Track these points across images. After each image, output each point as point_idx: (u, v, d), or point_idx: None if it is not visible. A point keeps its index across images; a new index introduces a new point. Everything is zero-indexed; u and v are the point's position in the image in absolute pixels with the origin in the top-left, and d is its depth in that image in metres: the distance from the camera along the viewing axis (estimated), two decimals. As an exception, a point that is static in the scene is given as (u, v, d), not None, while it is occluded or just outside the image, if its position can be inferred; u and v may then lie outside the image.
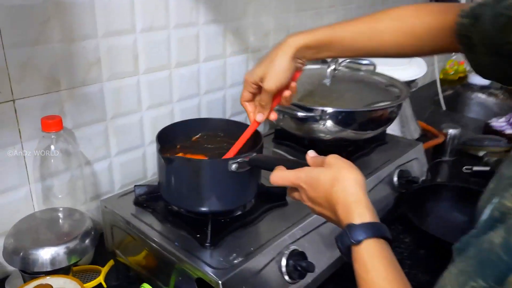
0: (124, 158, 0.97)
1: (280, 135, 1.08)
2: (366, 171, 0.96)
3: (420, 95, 1.72)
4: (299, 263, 0.70)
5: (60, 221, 0.76)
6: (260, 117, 0.75)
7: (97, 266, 0.83)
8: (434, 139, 1.25)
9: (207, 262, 0.66)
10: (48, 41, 0.77)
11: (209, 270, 0.64)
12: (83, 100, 0.86)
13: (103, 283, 0.80)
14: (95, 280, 0.79)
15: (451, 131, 1.32)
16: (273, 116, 0.76)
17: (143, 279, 0.78)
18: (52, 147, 0.79)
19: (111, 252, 0.85)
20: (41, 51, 0.76)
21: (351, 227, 0.50)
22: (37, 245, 0.69)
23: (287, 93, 0.74)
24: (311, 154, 0.61)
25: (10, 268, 0.76)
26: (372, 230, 0.49)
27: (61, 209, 0.79)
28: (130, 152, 0.98)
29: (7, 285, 0.78)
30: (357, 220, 0.50)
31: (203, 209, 0.72)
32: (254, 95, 0.76)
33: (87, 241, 0.74)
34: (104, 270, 0.81)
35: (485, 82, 1.98)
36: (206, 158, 0.77)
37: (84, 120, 0.87)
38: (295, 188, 0.60)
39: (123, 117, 0.93)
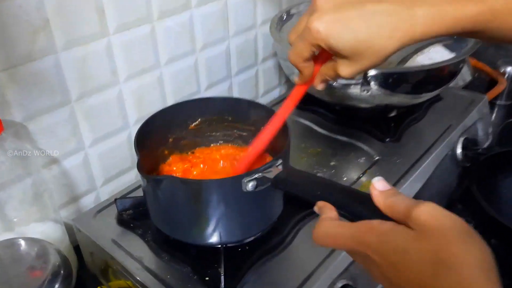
0: (103, 147, 0.74)
1: (304, 100, 0.83)
2: (422, 145, 0.73)
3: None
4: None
5: (14, 264, 0.55)
6: (321, 85, 0.48)
7: (81, 297, 0.65)
8: (495, 87, 0.98)
9: (222, 324, 0.46)
10: (-40, 3, 0.51)
11: None
12: (33, 81, 0.61)
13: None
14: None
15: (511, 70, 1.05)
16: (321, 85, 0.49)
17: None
18: (-6, 156, 0.56)
19: (95, 275, 0.66)
20: None
21: None
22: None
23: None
24: (379, 185, 0.36)
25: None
26: None
27: (17, 242, 0.58)
28: (111, 139, 0.75)
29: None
30: None
31: (211, 241, 0.50)
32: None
33: (56, 286, 0.53)
34: (92, 303, 0.63)
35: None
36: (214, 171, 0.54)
37: (39, 108, 0.63)
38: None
39: (95, 95, 0.69)
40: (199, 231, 0.49)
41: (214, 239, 0.50)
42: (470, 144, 0.77)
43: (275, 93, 1.07)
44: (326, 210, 0.38)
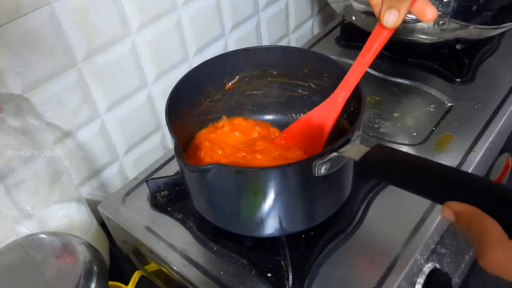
0: (121, 112, 0.63)
1: (348, 33, 0.70)
2: (503, 87, 0.60)
3: None
4: (444, 299, 0.41)
5: (40, 266, 0.47)
6: (391, 18, 0.38)
7: (118, 284, 0.58)
8: None
9: (295, 333, 0.38)
10: None
11: None
12: (27, 42, 0.50)
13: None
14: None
15: None
16: (430, 13, 0.38)
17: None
18: (-6, 139, 0.46)
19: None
20: None
21: None
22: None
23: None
24: None
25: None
26: None
27: (39, 240, 0.49)
28: (129, 101, 0.64)
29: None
30: None
31: (271, 232, 0.41)
32: None
33: (92, 286, 0.46)
34: (130, 290, 0.56)
35: None
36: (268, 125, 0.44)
37: (41, 74, 0.52)
38: None
39: (104, 51, 0.58)
40: (257, 223, 0.39)
41: (274, 230, 0.40)
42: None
43: (307, 26, 0.93)
44: (486, 221, 0.26)
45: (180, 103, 0.43)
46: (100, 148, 0.64)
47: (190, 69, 0.47)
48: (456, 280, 0.48)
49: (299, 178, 0.36)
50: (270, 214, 0.38)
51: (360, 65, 0.42)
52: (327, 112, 0.44)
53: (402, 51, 0.65)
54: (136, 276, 0.58)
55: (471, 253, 0.50)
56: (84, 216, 0.60)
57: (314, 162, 0.34)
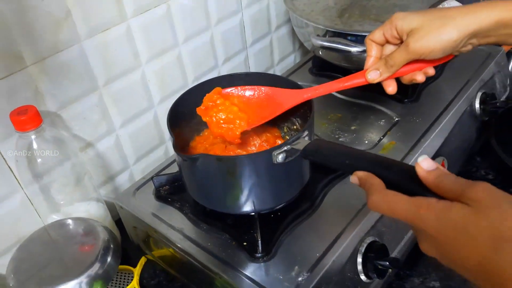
0: (132, 128, 0.78)
1: (319, 65, 0.85)
2: (440, 103, 0.74)
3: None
4: (379, 262, 0.53)
5: (69, 241, 0.60)
6: (373, 75, 0.53)
7: (128, 267, 0.70)
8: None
9: (263, 284, 0.51)
10: (-12, 3, 0.53)
11: (268, 298, 0.49)
12: (62, 71, 0.64)
13: (138, 288, 0.67)
14: (128, 287, 0.67)
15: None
16: (392, 89, 0.54)
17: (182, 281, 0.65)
18: (35, 145, 0.60)
19: (138, 245, 0.71)
20: (-19, 22, 0.53)
21: None
22: (47, 283, 0.54)
23: (430, 70, 0.53)
24: (426, 164, 0.36)
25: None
26: None
27: (67, 222, 0.63)
28: (138, 119, 0.78)
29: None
30: None
31: (246, 209, 0.54)
32: (387, 41, 0.53)
33: (109, 259, 0.58)
34: (137, 272, 0.69)
35: None
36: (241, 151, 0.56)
37: (70, 96, 0.67)
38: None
39: (120, 79, 0.72)
40: (235, 201, 0.53)
41: (249, 208, 0.53)
42: (488, 98, 0.78)
43: (290, 60, 1.08)
44: (373, 180, 0.39)
45: (179, 115, 0.57)
46: (115, 157, 0.77)
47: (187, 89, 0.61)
48: (396, 254, 0.60)
49: (263, 164, 0.49)
50: (244, 194, 0.52)
51: (332, 86, 0.54)
52: (289, 98, 0.56)
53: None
54: (142, 261, 0.71)
55: (409, 234, 0.63)
56: (101, 212, 0.73)
57: (273, 152, 0.48)
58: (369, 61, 0.54)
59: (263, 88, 0.56)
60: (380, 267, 0.54)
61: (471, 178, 0.35)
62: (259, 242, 0.53)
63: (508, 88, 0.88)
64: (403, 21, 0.49)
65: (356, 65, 0.74)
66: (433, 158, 0.67)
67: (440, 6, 0.81)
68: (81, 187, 0.70)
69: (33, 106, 0.58)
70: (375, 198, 0.38)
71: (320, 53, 0.77)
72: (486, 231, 0.31)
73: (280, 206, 0.57)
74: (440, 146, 0.68)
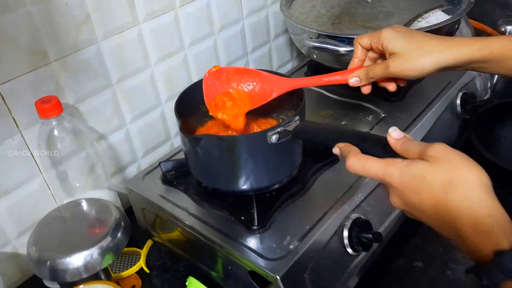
0: (141, 123, 0.85)
1: (314, 68, 0.93)
2: (424, 101, 0.81)
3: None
4: (363, 235, 0.60)
5: (84, 217, 0.67)
6: (353, 81, 0.61)
7: (135, 249, 0.76)
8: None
9: (258, 251, 0.57)
10: (20, 4, 0.61)
11: (263, 263, 0.55)
12: (80, 68, 0.72)
13: (145, 267, 0.73)
14: (135, 266, 0.73)
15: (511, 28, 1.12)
16: (366, 90, 0.62)
17: (186, 260, 0.70)
18: (56, 132, 0.67)
19: (146, 229, 0.77)
20: (13, 21, 0.61)
21: (502, 256, 0.35)
22: (64, 251, 0.60)
23: (402, 84, 0.62)
24: (395, 134, 0.44)
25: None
26: None
27: (82, 201, 0.69)
28: (147, 115, 0.85)
29: (45, 281, 0.72)
30: (505, 243, 0.36)
31: (244, 188, 0.60)
32: (371, 49, 0.61)
33: (119, 234, 0.65)
34: (143, 253, 0.75)
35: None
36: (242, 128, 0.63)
37: (87, 91, 0.74)
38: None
39: (131, 77, 0.80)
40: (234, 179, 0.59)
41: (246, 186, 0.60)
42: (468, 98, 0.85)
43: (288, 67, 1.16)
44: (351, 148, 0.47)
45: (185, 104, 0.64)
46: (125, 150, 0.84)
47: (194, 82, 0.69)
48: (381, 231, 0.66)
49: (258, 143, 0.56)
50: (242, 172, 0.58)
51: (318, 80, 0.63)
52: (279, 86, 0.63)
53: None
54: (149, 243, 0.77)
55: (395, 215, 0.69)
56: (112, 199, 0.79)
57: (268, 132, 0.55)
58: (354, 62, 0.62)
59: (257, 77, 0.64)
60: (364, 240, 0.60)
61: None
62: (255, 216, 0.59)
63: (489, 91, 0.95)
64: (389, 42, 0.56)
65: (346, 66, 0.81)
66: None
67: (426, 17, 0.89)
68: (94, 175, 0.76)
69: (56, 97, 0.65)
70: (351, 161, 0.45)
71: (315, 56, 0.85)
72: (439, 178, 0.39)
73: (274, 187, 0.64)
74: (422, 139, 0.75)
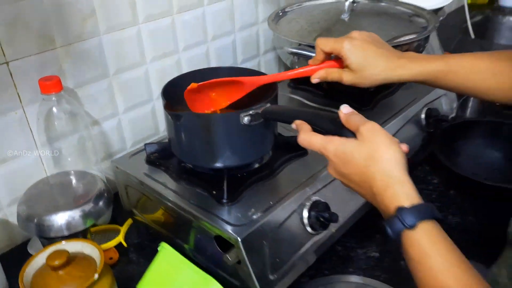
0: (133, 115, 0.92)
1: (296, 79, 1.01)
2: (391, 112, 0.90)
3: (446, 23, 1.58)
4: (321, 214, 0.66)
5: (72, 185, 0.74)
6: (315, 81, 0.71)
7: (116, 226, 0.82)
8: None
9: (225, 219, 0.63)
10: (35, -6, 0.70)
11: (227, 228, 0.61)
12: (82, 56, 0.80)
13: (123, 242, 0.79)
14: (114, 239, 0.78)
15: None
16: (316, 81, 0.71)
17: (163, 237, 0.76)
18: (54, 109, 0.75)
19: (129, 211, 0.83)
20: (28, 7, 0.70)
21: (402, 210, 0.45)
22: (50, 211, 0.67)
23: None
24: (345, 110, 0.53)
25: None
26: (425, 212, 0.45)
27: (72, 172, 0.76)
28: (139, 108, 0.93)
29: (29, 249, 0.77)
30: (406, 202, 0.46)
31: (217, 165, 0.67)
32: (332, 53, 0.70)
33: (100, 203, 0.71)
34: (123, 229, 0.80)
35: (517, 3, 1.81)
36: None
37: (86, 78, 0.82)
38: None
39: (127, 71, 0.88)
40: (209, 156, 0.67)
41: (219, 163, 0.67)
42: (432, 113, 0.93)
43: (275, 82, 1.25)
44: (304, 126, 0.57)
45: (171, 93, 0.72)
46: (115, 138, 0.91)
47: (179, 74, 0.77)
48: (340, 219, 0.72)
49: (232, 123, 0.63)
50: (216, 148, 0.65)
51: (281, 76, 0.73)
52: (251, 82, 0.72)
53: (330, 90, 0.96)
54: (129, 221, 0.82)
55: (354, 203, 0.75)
56: (100, 182, 0.86)
57: (241, 114, 0.63)
58: (315, 62, 0.71)
59: (232, 82, 0.72)
60: (321, 219, 0.66)
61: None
62: (225, 191, 0.66)
63: (455, 111, 1.03)
64: (348, 56, 0.66)
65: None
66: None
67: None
68: (85, 157, 0.83)
69: (57, 76, 0.73)
70: (302, 135, 0.55)
71: (296, 67, 0.94)
72: (363, 154, 0.49)
73: (246, 170, 0.71)
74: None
